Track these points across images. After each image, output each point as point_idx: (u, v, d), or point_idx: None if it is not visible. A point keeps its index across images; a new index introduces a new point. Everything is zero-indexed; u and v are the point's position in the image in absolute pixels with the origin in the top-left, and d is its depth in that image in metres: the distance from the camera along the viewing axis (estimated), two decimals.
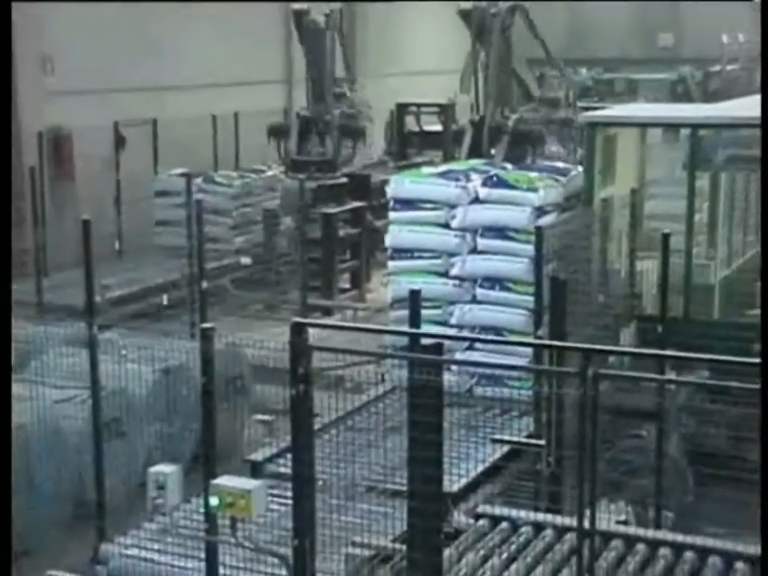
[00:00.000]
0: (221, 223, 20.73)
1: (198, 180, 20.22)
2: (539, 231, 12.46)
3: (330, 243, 20.71)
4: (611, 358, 10.73)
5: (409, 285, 12.19)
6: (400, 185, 13.29)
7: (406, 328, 9.67)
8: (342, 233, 21.26)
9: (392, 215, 13.29)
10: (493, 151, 18.87)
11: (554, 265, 12.34)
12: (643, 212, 14.00)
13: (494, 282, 12.36)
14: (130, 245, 21.17)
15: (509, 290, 12.41)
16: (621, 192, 14.16)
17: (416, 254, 12.91)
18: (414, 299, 10.35)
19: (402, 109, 25.41)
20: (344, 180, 21.84)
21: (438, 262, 12.76)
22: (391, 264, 13.28)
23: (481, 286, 12.67)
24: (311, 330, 7.39)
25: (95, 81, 21.62)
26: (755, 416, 12.32)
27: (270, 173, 22.56)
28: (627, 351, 10.75)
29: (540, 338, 11.26)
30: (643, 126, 15.10)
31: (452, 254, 12.70)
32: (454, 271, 12.65)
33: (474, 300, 12.68)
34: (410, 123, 26.17)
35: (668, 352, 8.52)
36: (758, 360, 10.03)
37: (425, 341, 8.61)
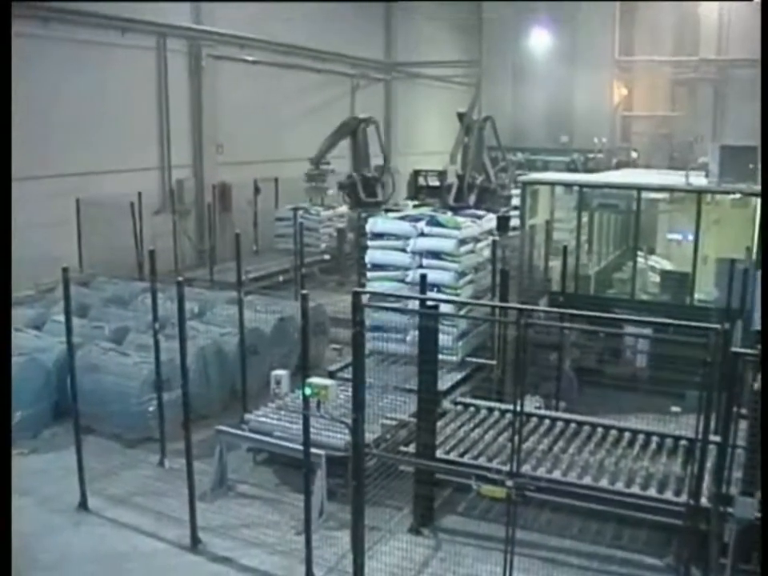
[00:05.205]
0: (313, 236, 20.54)
1: (301, 212, 20.08)
2: (494, 243, 12.33)
3: None
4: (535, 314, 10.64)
5: (380, 288, 11.70)
6: (374, 223, 12.44)
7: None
8: None
9: (369, 243, 12.42)
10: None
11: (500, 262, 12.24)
12: (552, 233, 13.76)
13: (432, 286, 11.30)
14: (261, 248, 21.11)
15: (441, 292, 11.63)
16: (540, 221, 14.03)
17: (384, 268, 12.14)
18: (423, 280, 10.14)
19: (416, 173, 25.22)
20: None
21: (398, 273, 12.00)
22: (369, 274, 12.40)
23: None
24: (363, 296, 7.29)
25: (244, 156, 21.59)
26: (612, 348, 12.28)
27: (340, 208, 22.37)
28: (543, 310, 10.59)
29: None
30: (552, 185, 14.98)
31: (407, 269, 11.93)
32: (407, 279, 11.84)
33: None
34: (421, 181, 26.07)
35: (565, 310, 8.40)
36: (615, 315, 10.07)
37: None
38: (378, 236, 12.28)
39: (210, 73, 20.89)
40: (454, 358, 11.52)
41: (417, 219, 12.30)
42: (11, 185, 6.56)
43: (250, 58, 21.95)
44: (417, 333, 8.80)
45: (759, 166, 12.23)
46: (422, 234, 11.99)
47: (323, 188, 21.83)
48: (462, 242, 11.96)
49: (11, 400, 6.79)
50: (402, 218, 12.56)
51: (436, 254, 11.84)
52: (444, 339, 10.28)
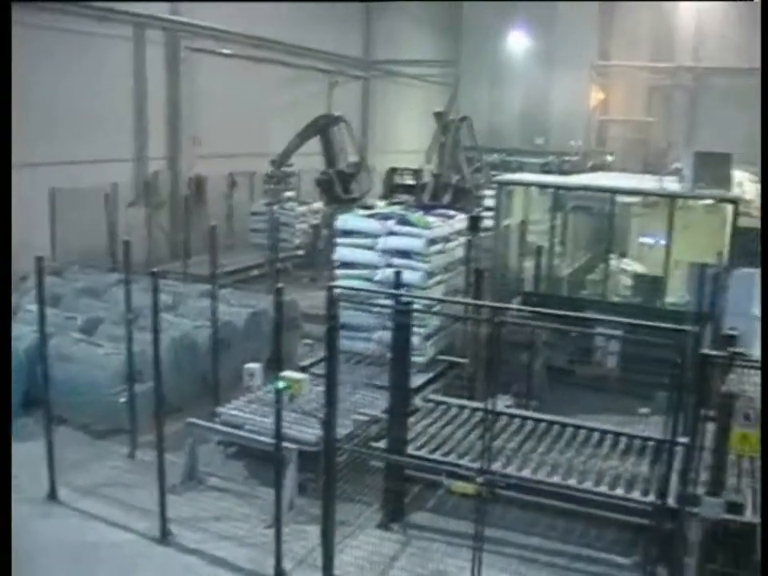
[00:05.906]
0: (287, 231, 20.44)
1: (276, 207, 19.99)
2: (469, 242, 12.35)
3: None
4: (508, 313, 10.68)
5: (348, 285, 11.47)
6: (344, 221, 12.37)
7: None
8: None
9: (338, 240, 12.31)
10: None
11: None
12: (527, 234, 13.84)
13: (401, 286, 10.70)
14: (236, 241, 21.00)
15: (410, 291, 11.00)
16: (515, 222, 14.10)
17: (353, 266, 12.02)
18: (397, 278, 10.14)
19: (392, 171, 25.11)
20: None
21: (367, 272, 11.89)
22: (338, 272, 12.22)
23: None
24: (337, 291, 7.29)
25: (220, 149, 21.43)
26: (584, 348, 12.37)
27: (316, 204, 22.28)
28: (517, 308, 10.63)
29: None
30: (527, 185, 15.04)
31: (375, 267, 11.85)
32: (376, 278, 11.74)
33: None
34: (397, 179, 25.96)
35: (538, 309, 8.44)
36: (587, 315, 10.14)
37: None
38: (348, 233, 12.18)
39: (188, 65, 20.79)
40: (422, 359, 11.40)
41: (386, 217, 12.21)
42: (11, 184, 6.48)
43: (227, 51, 21.88)
44: (384, 332, 8.79)
45: (760, 171, 12.40)
46: (392, 233, 11.91)
47: (280, 190, 21.63)
48: (432, 241, 11.88)
49: (11, 398, 6.67)
50: (371, 216, 12.46)
51: (405, 253, 11.75)
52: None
